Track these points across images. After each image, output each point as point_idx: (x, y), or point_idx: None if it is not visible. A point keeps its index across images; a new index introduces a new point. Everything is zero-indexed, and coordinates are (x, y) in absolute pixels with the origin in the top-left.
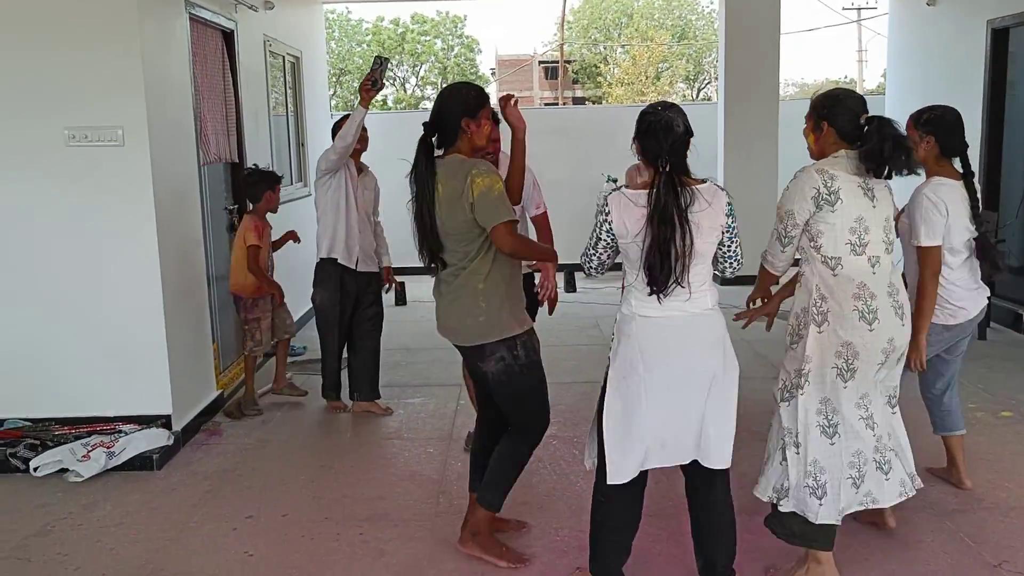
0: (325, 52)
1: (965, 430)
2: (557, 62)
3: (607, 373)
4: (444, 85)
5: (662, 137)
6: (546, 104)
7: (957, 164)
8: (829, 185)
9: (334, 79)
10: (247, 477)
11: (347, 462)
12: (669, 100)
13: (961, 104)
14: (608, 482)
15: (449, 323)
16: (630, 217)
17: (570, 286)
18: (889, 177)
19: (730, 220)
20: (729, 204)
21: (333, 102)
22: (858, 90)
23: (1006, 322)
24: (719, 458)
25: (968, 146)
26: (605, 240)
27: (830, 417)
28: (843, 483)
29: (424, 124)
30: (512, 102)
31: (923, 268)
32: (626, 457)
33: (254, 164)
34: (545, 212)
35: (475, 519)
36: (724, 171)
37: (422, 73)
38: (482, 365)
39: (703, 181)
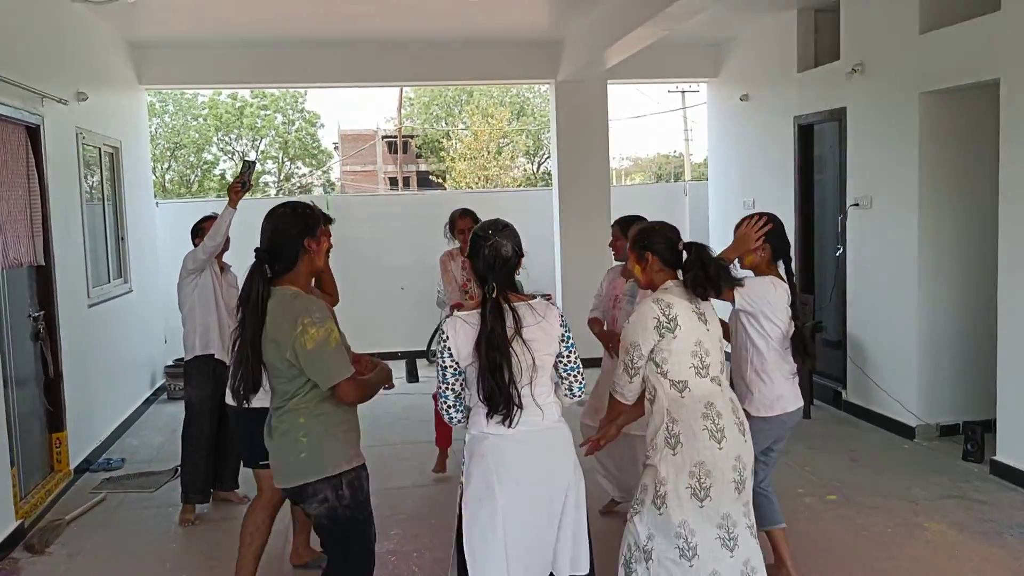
0: (148, 138)
1: (784, 524)
2: (401, 137)
3: (461, 495)
4: (276, 205)
5: (492, 263)
6: (390, 179)
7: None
8: (667, 313)
9: (168, 153)
10: None
11: None
12: (503, 220)
13: (775, 192)
14: None
15: (274, 463)
16: (466, 339)
17: (411, 376)
18: (718, 295)
19: (565, 331)
20: (562, 316)
21: (168, 176)
22: (686, 164)
23: (827, 399)
24: (577, 565)
25: (790, 246)
26: (451, 366)
27: (688, 540)
28: None
29: (258, 251)
30: None
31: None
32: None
33: None
34: None
35: None
36: (561, 251)
37: (262, 147)
38: (305, 506)
39: (532, 297)
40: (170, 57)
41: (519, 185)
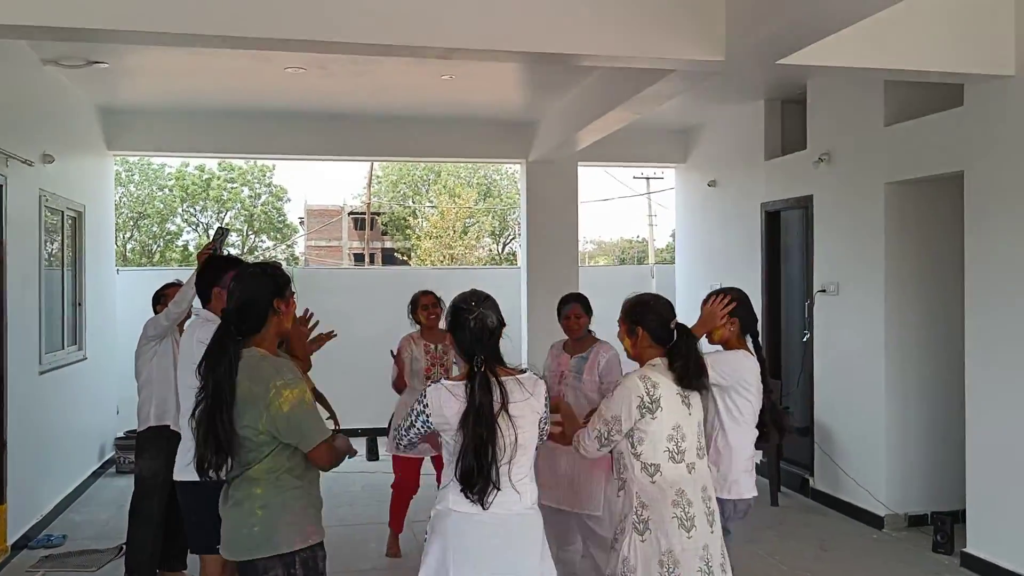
0: (112, 204)
1: None
2: (365, 214)
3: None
4: (244, 266)
5: (479, 335)
6: (355, 255)
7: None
8: (652, 393)
9: (132, 223)
10: None
11: None
12: (481, 290)
13: (743, 276)
14: None
15: (225, 534)
16: (450, 410)
17: (372, 454)
18: (693, 388)
19: (546, 412)
20: (546, 395)
21: (130, 245)
22: (650, 249)
23: (794, 486)
24: None
25: (757, 321)
26: (419, 429)
27: None
28: None
29: (225, 312)
30: None
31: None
32: None
33: None
34: None
35: None
36: (527, 331)
37: (227, 220)
38: None
39: (523, 371)
40: (140, 124)
41: (484, 264)
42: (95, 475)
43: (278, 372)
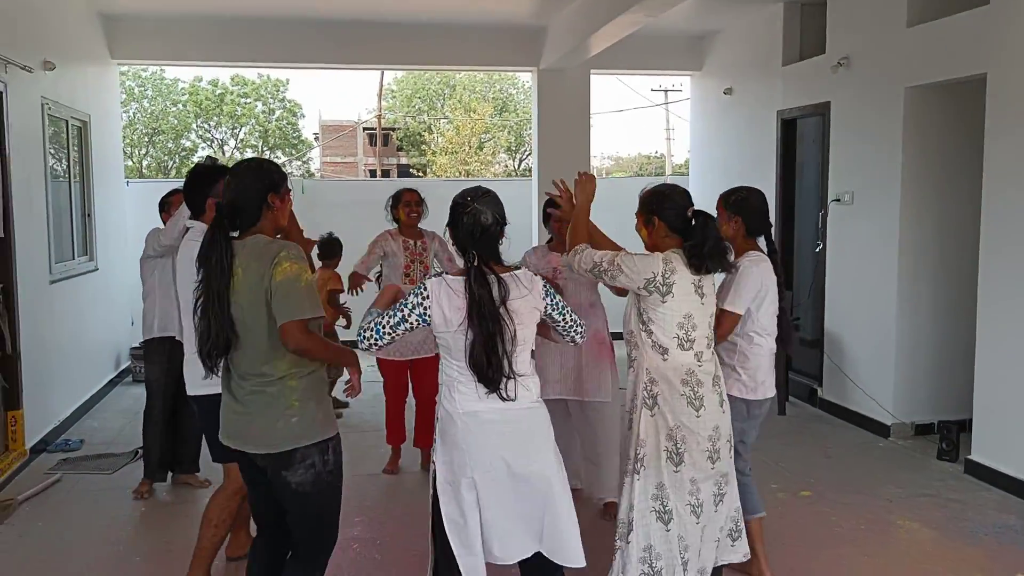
0: (119, 115)
1: (765, 512)
2: (383, 129)
3: (434, 476)
4: (240, 161)
5: (471, 232)
6: (370, 171)
7: (762, 243)
8: (667, 277)
9: (147, 139)
10: None
11: None
12: (483, 186)
13: (755, 185)
14: None
15: (251, 430)
16: (450, 306)
17: None
18: (710, 272)
19: (550, 299)
20: (546, 287)
21: (146, 161)
22: (667, 164)
23: (803, 396)
24: (571, 555)
25: (772, 226)
26: (412, 324)
27: (665, 503)
28: (676, 568)
29: (219, 205)
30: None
31: (719, 330)
32: (476, 557)
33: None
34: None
35: None
36: (538, 241)
37: (242, 136)
38: (287, 474)
39: (516, 268)
40: (144, 32)
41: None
42: (111, 384)
43: (285, 247)
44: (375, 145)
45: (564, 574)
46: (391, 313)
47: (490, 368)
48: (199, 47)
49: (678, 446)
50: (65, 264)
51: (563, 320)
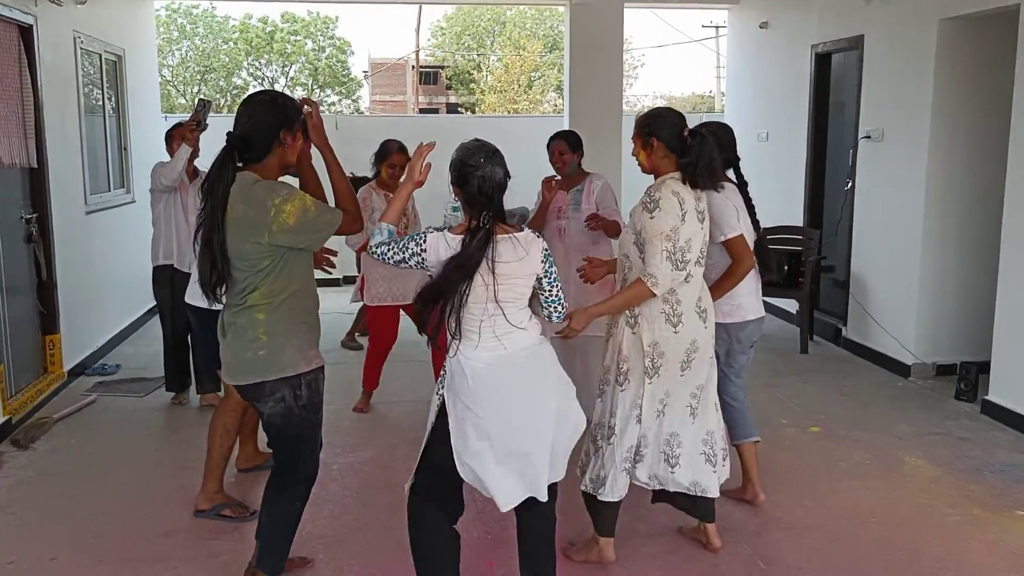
0: (155, 50)
1: (759, 438)
2: (431, 68)
3: (440, 406)
4: (255, 92)
5: (490, 194)
6: (420, 109)
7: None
8: (683, 207)
9: (199, 76)
10: (20, 515)
11: (140, 495)
12: (488, 143)
13: (790, 124)
14: (502, 510)
15: (227, 358)
16: (440, 259)
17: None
18: (704, 188)
19: (547, 266)
20: (545, 251)
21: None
22: (717, 103)
23: (828, 336)
24: (558, 471)
25: (740, 159)
26: (409, 265)
27: (642, 409)
28: (628, 461)
29: (230, 135)
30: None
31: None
32: (501, 484)
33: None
34: None
35: None
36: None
37: (292, 74)
38: (259, 405)
39: (520, 229)
40: None
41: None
42: (150, 312)
43: (272, 191)
44: (424, 83)
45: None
46: (395, 249)
47: (422, 315)
48: None
49: (655, 361)
50: (101, 196)
51: (549, 291)
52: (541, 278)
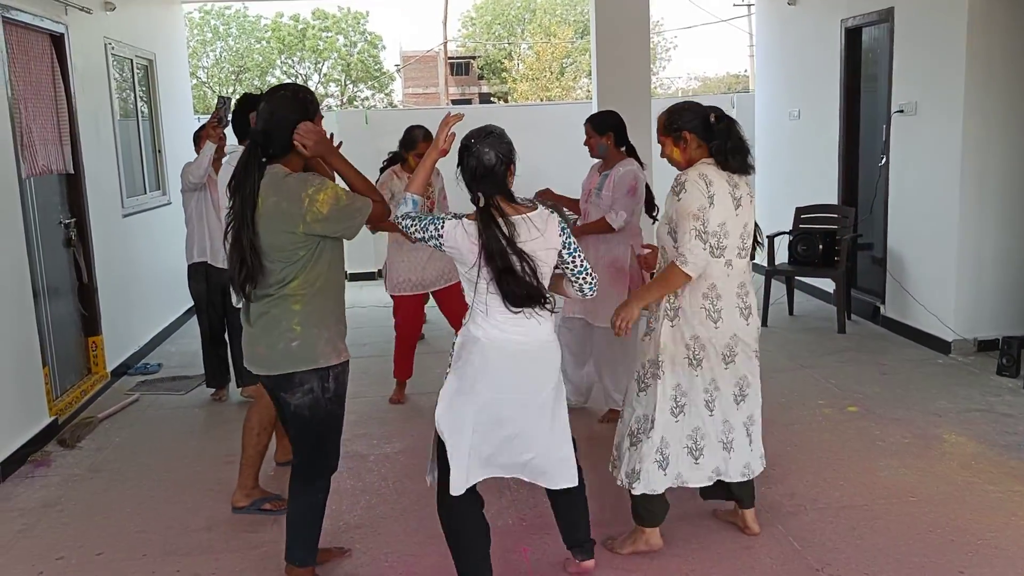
0: (185, 53)
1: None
2: (463, 58)
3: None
4: (275, 86)
5: (474, 172)
6: (453, 101)
7: None
8: (708, 189)
9: (233, 76)
10: (68, 511)
11: (182, 490)
12: (492, 126)
13: (821, 100)
14: (451, 492)
15: (257, 349)
16: (465, 247)
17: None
18: (736, 171)
19: (565, 239)
20: (562, 226)
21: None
22: (751, 82)
23: (866, 315)
24: (565, 479)
25: None
26: (429, 245)
27: (679, 400)
28: (680, 454)
29: (252, 132)
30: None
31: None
32: (462, 468)
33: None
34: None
35: None
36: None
37: (325, 70)
38: (286, 395)
39: (533, 207)
40: None
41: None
42: (189, 312)
43: (305, 183)
44: (456, 74)
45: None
46: (418, 227)
47: (519, 294)
48: None
49: (696, 354)
50: (137, 198)
51: (573, 262)
52: (562, 251)
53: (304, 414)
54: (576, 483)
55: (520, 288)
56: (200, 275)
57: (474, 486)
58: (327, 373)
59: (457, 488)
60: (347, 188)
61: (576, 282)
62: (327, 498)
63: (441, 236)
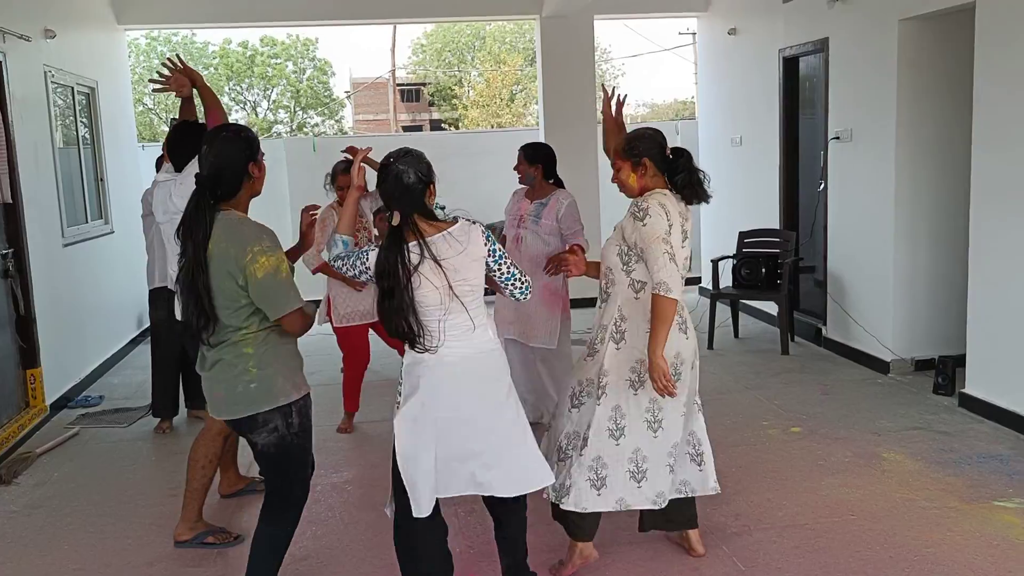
0: (128, 80)
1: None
2: (413, 85)
3: (395, 413)
4: (216, 128)
5: (392, 192)
6: (404, 127)
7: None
8: (668, 219)
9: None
10: (3, 551)
11: (123, 524)
12: (409, 147)
13: (762, 127)
14: (415, 515)
15: (216, 394)
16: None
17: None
18: (693, 202)
19: (491, 247)
20: (487, 235)
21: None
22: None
23: (809, 336)
24: (539, 477)
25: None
26: (362, 280)
27: (618, 422)
28: (623, 476)
29: (199, 177)
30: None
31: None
32: (422, 492)
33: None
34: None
35: None
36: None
37: (274, 96)
38: (252, 436)
39: (454, 221)
40: None
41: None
42: (133, 342)
43: (257, 237)
44: (406, 101)
45: (526, 505)
46: (348, 264)
47: (389, 321)
48: (207, 8)
49: (640, 375)
50: (79, 227)
51: (499, 269)
52: (488, 260)
53: (271, 452)
54: (553, 479)
55: (393, 318)
56: (162, 301)
57: (438, 512)
58: (289, 409)
59: (422, 509)
60: (290, 270)
61: (507, 288)
62: (292, 535)
63: (368, 267)
